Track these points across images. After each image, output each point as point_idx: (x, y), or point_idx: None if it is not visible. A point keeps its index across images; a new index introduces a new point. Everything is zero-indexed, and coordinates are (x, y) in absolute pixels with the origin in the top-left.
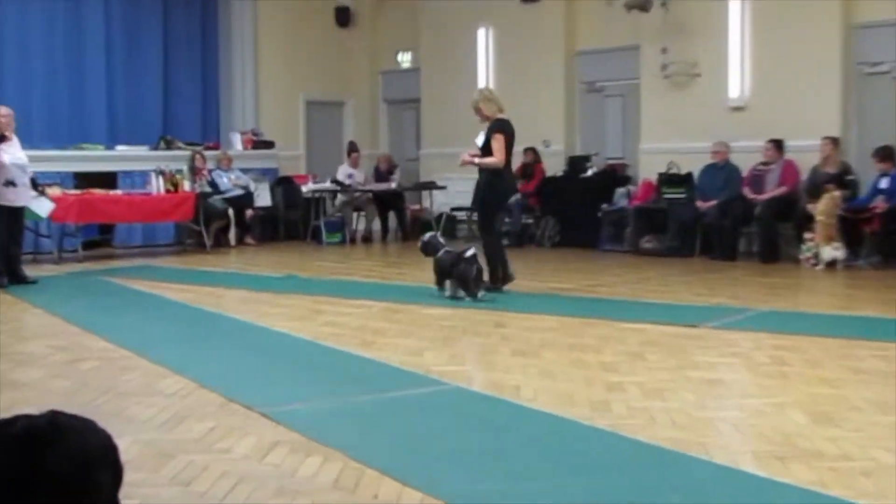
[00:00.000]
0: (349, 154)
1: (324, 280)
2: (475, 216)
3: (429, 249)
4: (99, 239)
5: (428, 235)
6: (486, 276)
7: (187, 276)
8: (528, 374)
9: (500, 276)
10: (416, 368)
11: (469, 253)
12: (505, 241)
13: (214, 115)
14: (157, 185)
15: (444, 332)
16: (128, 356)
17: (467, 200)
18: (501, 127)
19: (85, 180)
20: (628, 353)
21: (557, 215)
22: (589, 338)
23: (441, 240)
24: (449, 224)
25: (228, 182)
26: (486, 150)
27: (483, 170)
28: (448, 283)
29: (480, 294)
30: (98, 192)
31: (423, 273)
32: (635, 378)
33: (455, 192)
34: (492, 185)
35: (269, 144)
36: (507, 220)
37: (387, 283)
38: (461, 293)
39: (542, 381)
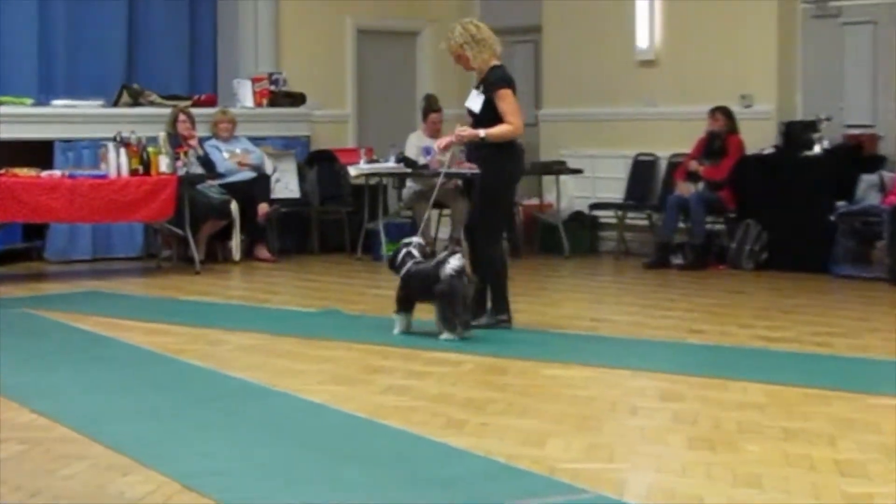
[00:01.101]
0: (426, 116)
1: (385, 319)
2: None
3: (394, 262)
4: (24, 248)
5: (406, 247)
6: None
7: (162, 310)
8: (718, 478)
9: (504, 307)
10: (535, 466)
11: (455, 263)
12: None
13: (209, 52)
14: (117, 164)
15: (578, 407)
16: (69, 437)
17: (617, 190)
18: (506, 79)
19: (3, 154)
20: (883, 447)
21: (764, 219)
22: (819, 420)
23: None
24: (586, 229)
25: (230, 160)
26: (485, 117)
27: (480, 145)
28: (407, 313)
29: (464, 331)
30: (23, 173)
31: (548, 308)
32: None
33: (598, 178)
34: (496, 166)
35: (296, 99)
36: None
37: None
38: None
39: (741, 490)
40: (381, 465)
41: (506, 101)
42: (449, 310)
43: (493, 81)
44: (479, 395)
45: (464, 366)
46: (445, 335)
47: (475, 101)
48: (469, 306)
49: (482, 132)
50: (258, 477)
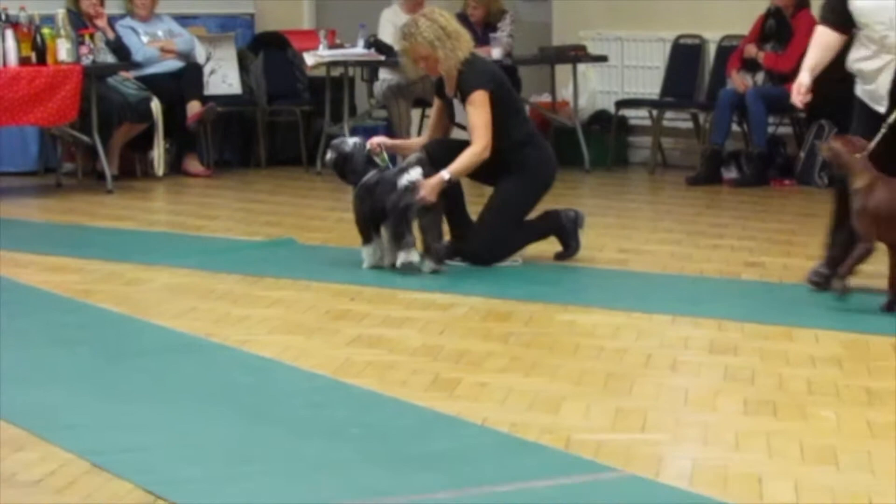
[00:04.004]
0: None
1: (353, 251)
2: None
3: (346, 168)
4: None
5: (350, 142)
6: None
7: (65, 241)
8: (782, 453)
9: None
10: (547, 438)
11: (414, 174)
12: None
13: None
14: (2, 50)
15: (603, 363)
16: None
17: (652, 84)
18: (484, 74)
19: None
20: None
21: (843, 120)
22: None
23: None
24: (612, 134)
25: (151, 45)
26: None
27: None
28: (377, 238)
29: (434, 263)
30: None
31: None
32: None
33: (628, 67)
34: (521, 177)
35: None
36: None
37: None
38: (398, 255)
39: (811, 468)
40: (348, 439)
41: (477, 112)
42: (402, 225)
43: (471, 81)
44: (475, 348)
45: (455, 310)
46: (402, 257)
47: (461, 112)
48: (439, 233)
49: (446, 174)
50: (188, 455)
